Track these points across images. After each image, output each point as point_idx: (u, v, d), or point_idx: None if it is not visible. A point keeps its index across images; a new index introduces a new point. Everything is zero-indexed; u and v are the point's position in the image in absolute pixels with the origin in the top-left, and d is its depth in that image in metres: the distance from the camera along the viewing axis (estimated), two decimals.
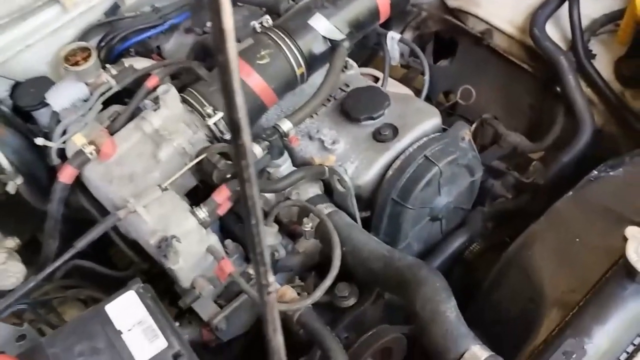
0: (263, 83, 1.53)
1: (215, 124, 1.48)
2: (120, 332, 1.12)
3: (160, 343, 1.10)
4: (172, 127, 1.48)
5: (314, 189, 1.48)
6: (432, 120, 1.53)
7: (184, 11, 1.86)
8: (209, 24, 1.82)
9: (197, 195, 1.50)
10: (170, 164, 1.46)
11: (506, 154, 1.88)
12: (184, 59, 1.73)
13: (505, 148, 1.88)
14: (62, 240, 1.52)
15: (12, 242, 1.46)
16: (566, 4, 1.84)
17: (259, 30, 1.59)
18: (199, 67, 1.59)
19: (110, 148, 1.45)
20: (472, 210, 1.66)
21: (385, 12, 1.65)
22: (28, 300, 1.41)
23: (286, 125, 1.45)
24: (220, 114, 1.48)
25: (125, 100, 1.63)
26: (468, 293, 1.46)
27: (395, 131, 1.50)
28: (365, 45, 2.11)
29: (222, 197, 1.38)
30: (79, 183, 1.52)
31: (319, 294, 1.26)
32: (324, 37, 1.57)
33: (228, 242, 1.46)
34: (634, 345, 1.09)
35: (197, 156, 1.44)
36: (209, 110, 1.48)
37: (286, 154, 1.48)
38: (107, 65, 1.65)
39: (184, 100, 1.51)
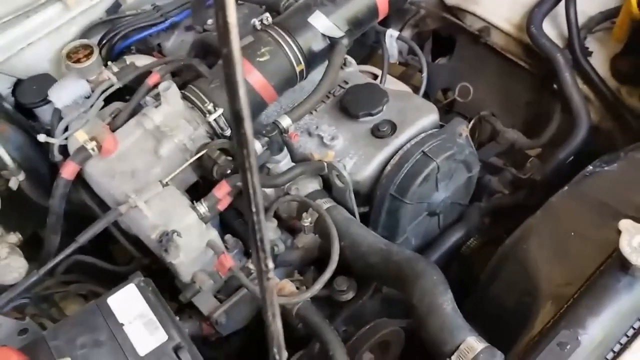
0: (263, 80, 1.54)
1: (215, 120, 1.50)
2: (122, 325, 1.14)
3: (161, 336, 1.12)
4: (173, 123, 1.50)
5: (313, 185, 1.49)
6: (430, 116, 1.54)
7: (184, 9, 1.88)
8: (209, 21, 1.85)
9: (197, 191, 1.52)
10: (171, 160, 1.47)
11: (503, 150, 1.90)
12: (184, 56, 1.75)
13: (502, 144, 1.90)
14: (64, 236, 1.54)
15: (14, 237, 1.47)
16: (563, 2, 1.85)
17: (259, 27, 1.60)
18: (199, 64, 1.61)
19: (111, 144, 1.47)
20: (470, 205, 1.68)
21: (383, 9, 1.66)
22: (30, 294, 1.43)
23: (285, 122, 1.47)
24: (220, 110, 1.49)
25: (126, 97, 1.65)
26: (465, 288, 1.48)
27: (393, 127, 1.51)
28: (364, 43, 2.12)
29: (222, 193, 1.40)
30: (80, 179, 1.54)
31: (317, 287, 1.28)
32: (323, 35, 1.59)
33: (228, 237, 1.48)
34: (627, 336, 1.10)
35: (197, 152, 1.46)
36: (210, 106, 1.49)
37: (285, 149, 1.49)
38: (109, 63, 1.67)
39: (184, 97, 1.53)
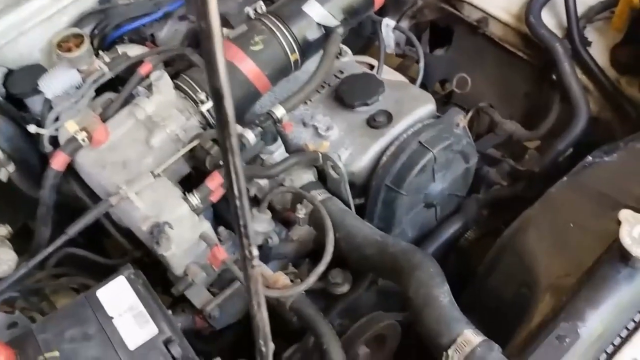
0: (256, 69, 1.52)
1: (208, 110, 1.47)
2: (111, 318, 1.11)
3: (151, 329, 1.10)
4: (165, 113, 1.47)
5: (307, 176, 1.47)
6: (427, 106, 1.52)
7: None
8: None
9: (190, 183, 1.49)
10: (163, 150, 1.45)
11: (502, 141, 1.88)
12: (177, 45, 1.72)
13: (500, 136, 1.87)
14: (56, 228, 1.51)
15: (4, 229, 1.45)
16: None
17: (252, 16, 1.58)
18: (192, 53, 1.58)
19: (102, 135, 1.44)
20: (467, 197, 1.65)
21: None
22: (20, 288, 1.40)
23: (279, 112, 1.44)
24: None
25: (119, 88, 1.62)
26: (463, 280, 1.45)
27: (389, 117, 1.49)
28: (361, 34, 2.10)
29: (215, 184, 1.37)
30: (71, 170, 1.51)
31: (312, 280, 1.26)
32: (318, 24, 1.56)
33: (221, 229, 1.46)
34: (628, 329, 1.08)
35: (190, 142, 1.43)
36: (202, 96, 1.47)
37: (280, 140, 1.47)
38: (100, 53, 1.64)
39: (177, 87, 1.51)
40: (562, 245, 1.24)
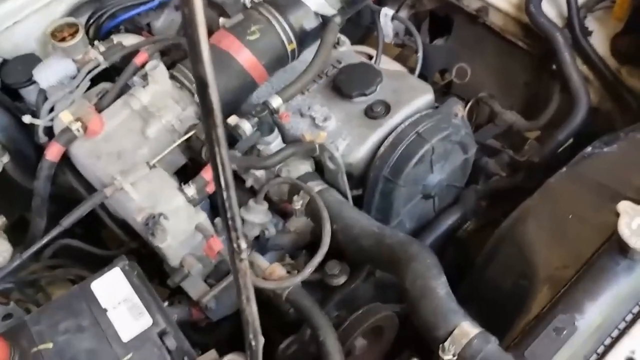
0: (253, 59, 1.50)
1: None
2: (105, 310, 1.10)
3: (146, 320, 1.09)
4: (161, 103, 1.46)
5: (304, 167, 1.45)
6: (425, 96, 1.50)
7: None
8: None
9: (186, 174, 1.48)
10: (159, 141, 1.44)
11: (501, 132, 1.86)
12: (173, 35, 1.71)
13: (500, 126, 1.86)
14: (53, 220, 1.50)
15: None
16: None
17: (249, 5, 1.57)
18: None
19: (97, 125, 1.43)
20: (466, 188, 1.64)
21: None
22: (15, 279, 1.40)
23: (276, 102, 1.42)
24: None
25: (115, 78, 1.60)
26: (461, 272, 1.44)
27: (387, 108, 1.47)
28: (360, 24, 2.07)
29: (211, 175, 1.36)
30: (67, 161, 1.50)
31: (308, 271, 1.25)
32: (315, 13, 1.55)
33: (218, 220, 1.45)
34: (626, 322, 1.07)
35: (186, 133, 1.42)
36: None
37: (276, 130, 1.46)
38: (96, 42, 1.63)
39: (172, 77, 1.49)
40: (560, 237, 1.23)
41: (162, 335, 1.08)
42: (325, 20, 1.55)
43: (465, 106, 1.92)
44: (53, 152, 1.42)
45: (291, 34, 1.52)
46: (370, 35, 2.20)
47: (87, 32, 1.75)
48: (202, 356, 1.06)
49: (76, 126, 1.40)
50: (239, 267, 0.49)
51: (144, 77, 1.50)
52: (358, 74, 1.53)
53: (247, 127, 1.39)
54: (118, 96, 1.52)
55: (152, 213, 1.29)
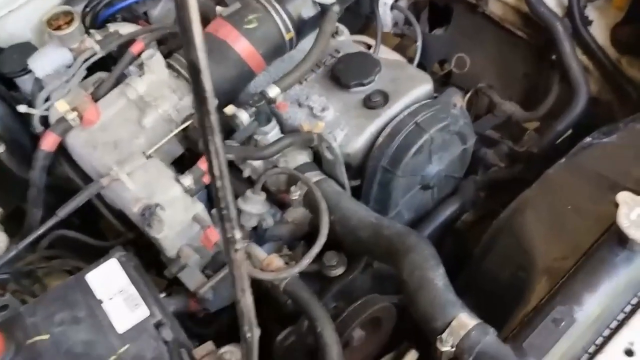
0: (251, 48, 1.49)
1: None
2: (100, 301, 1.09)
3: (142, 312, 1.08)
4: (157, 93, 1.45)
5: (302, 157, 1.45)
6: (424, 86, 1.49)
7: None
8: None
9: (183, 164, 1.47)
10: (156, 130, 1.42)
11: (501, 123, 1.85)
12: (170, 24, 1.69)
13: (499, 117, 1.85)
14: (50, 211, 1.49)
15: None
16: None
17: None
18: None
19: (93, 114, 1.42)
20: (464, 179, 1.63)
21: None
22: (11, 270, 1.39)
23: (274, 91, 1.41)
24: None
25: (112, 67, 1.59)
26: (460, 263, 1.44)
27: (385, 98, 1.46)
28: (359, 14, 2.06)
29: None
30: (63, 151, 1.49)
31: (305, 262, 1.24)
32: (314, 1, 1.53)
33: (215, 211, 1.44)
34: (625, 312, 1.06)
35: (183, 123, 1.41)
36: None
37: (274, 121, 1.44)
38: (92, 31, 1.61)
39: (169, 66, 1.48)
40: (559, 228, 1.22)
41: (158, 326, 1.06)
42: (323, 9, 1.53)
43: (465, 96, 1.92)
44: (48, 142, 1.41)
45: (289, 23, 1.51)
46: (369, 25, 2.19)
47: (83, 21, 1.73)
48: (198, 348, 1.06)
49: (72, 116, 1.39)
50: (234, 257, 0.48)
51: (141, 66, 1.48)
52: (356, 64, 1.52)
53: (244, 117, 1.38)
54: (114, 85, 1.50)
55: (148, 204, 1.29)
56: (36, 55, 1.56)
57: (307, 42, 1.55)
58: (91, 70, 1.58)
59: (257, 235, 1.44)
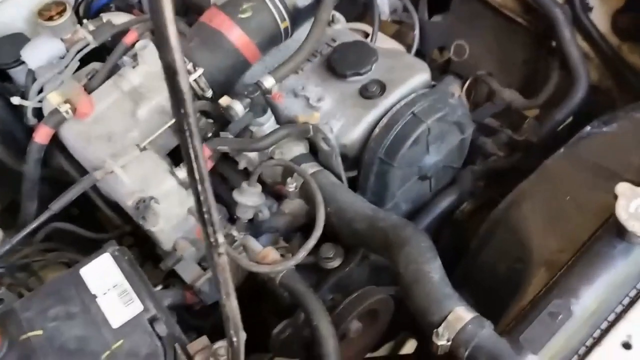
0: (245, 38, 1.47)
1: (195, 81, 1.43)
2: (95, 296, 1.09)
3: (136, 307, 1.07)
4: (151, 84, 1.43)
5: (298, 148, 1.43)
6: (421, 75, 1.47)
7: None
8: None
9: (178, 156, 1.46)
10: (150, 122, 1.41)
11: (500, 111, 1.83)
12: None
13: (498, 105, 1.82)
14: (47, 202, 1.48)
15: None
16: None
17: None
18: (178, 21, 1.52)
19: (87, 107, 1.40)
20: (463, 168, 1.61)
21: None
22: (5, 264, 1.38)
23: (269, 82, 1.40)
24: (200, 71, 1.43)
25: (106, 57, 1.57)
26: (459, 254, 1.43)
27: (382, 87, 1.44)
28: (356, 1, 2.03)
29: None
30: (58, 142, 1.48)
31: (301, 255, 1.23)
32: None
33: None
34: (623, 305, 1.05)
35: None
36: (189, 66, 1.42)
37: (269, 111, 1.43)
38: (85, 21, 1.59)
39: None
40: (557, 220, 1.21)
41: (152, 321, 1.06)
42: None
43: (464, 84, 1.90)
44: (42, 135, 1.40)
45: (284, 12, 1.49)
46: (367, 12, 2.16)
47: (77, 10, 1.72)
48: (192, 343, 1.05)
49: (65, 108, 1.38)
50: (217, 261, 0.47)
51: (134, 57, 1.47)
52: (353, 53, 1.49)
53: (239, 108, 1.36)
54: (108, 77, 1.49)
55: (142, 197, 1.28)
56: (28, 47, 1.54)
57: (304, 31, 1.53)
58: (87, 61, 1.56)
59: (254, 227, 1.43)
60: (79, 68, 1.55)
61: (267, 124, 1.42)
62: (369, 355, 1.56)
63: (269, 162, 1.38)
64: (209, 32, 1.46)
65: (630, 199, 1.03)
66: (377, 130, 1.39)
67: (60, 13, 1.51)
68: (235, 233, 1.38)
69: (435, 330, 1.03)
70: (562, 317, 1.01)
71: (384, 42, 1.78)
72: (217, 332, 1.20)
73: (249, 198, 1.38)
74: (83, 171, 1.47)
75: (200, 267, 1.43)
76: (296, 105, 1.46)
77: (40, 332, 1.06)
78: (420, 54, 1.99)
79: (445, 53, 2.16)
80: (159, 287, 1.39)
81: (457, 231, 1.58)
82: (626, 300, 1.06)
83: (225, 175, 1.48)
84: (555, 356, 1.01)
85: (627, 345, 1.00)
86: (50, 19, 1.50)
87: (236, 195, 1.36)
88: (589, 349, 1.02)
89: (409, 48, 1.88)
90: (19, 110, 1.54)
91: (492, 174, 1.66)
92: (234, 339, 0.54)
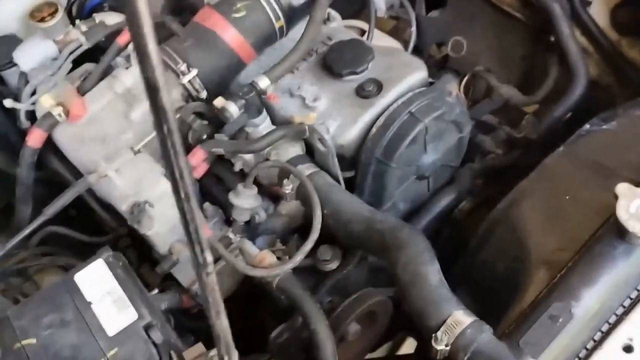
0: (240, 37, 1.45)
1: (190, 82, 1.41)
2: (89, 303, 1.08)
3: (131, 314, 1.06)
4: None
5: (294, 149, 1.41)
6: (418, 73, 1.45)
7: None
8: None
9: None
10: (144, 124, 1.40)
11: (498, 107, 1.81)
12: (157, 13, 1.65)
13: (497, 101, 1.81)
14: (42, 203, 1.47)
15: None
16: None
17: None
18: (171, 21, 1.51)
19: (79, 109, 1.39)
20: (461, 167, 1.60)
21: None
22: (0, 269, 1.37)
23: (263, 82, 1.38)
24: (195, 72, 1.41)
25: (100, 57, 1.55)
26: (458, 254, 1.41)
27: (379, 86, 1.42)
28: None
29: (197, 159, 1.33)
30: (52, 145, 1.46)
31: (298, 259, 1.22)
32: None
33: (207, 205, 1.41)
34: (624, 307, 1.04)
35: None
36: (183, 67, 1.41)
37: (265, 112, 1.41)
38: (77, 21, 1.57)
39: None
40: (556, 219, 1.19)
41: (147, 328, 1.05)
42: None
43: (462, 80, 1.88)
44: (35, 138, 1.38)
45: (279, 11, 1.47)
46: (364, 9, 2.14)
47: (70, 11, 1.70)
48: (188, 350, 1.04)
49: (58, 111, 1.36)
50: (206, 281, 0.46)
51: (128, 57, 1.45)
52: (349, 52, 1.47)
53: (234, 109, 1.34)
54: (101, 78, 1.47)
55: (137, 201, 1.26)
56: (21, 48, 1.53)
57: (300, 29, 1.51)
58: (80, 62, 1.54)
59: (250, 229, 1.41)
60: (72, 69, 1.54)
61: (263, 124, 1.41)
62: (368, 355, 1.55)
63: (264, 163, 1.37)
64: (203, 32, 1.44)
65: (631, 200, 1.01)
66: (374, 130, 1.37)
67: (52, 14, 1.49)
68: (231, 235, 1.37)
69: (434, 334, 1.02)
70: (562, 320, 1.00)
71: (380, 40, 1.75)
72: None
73: (245, 200, 1.36)
74: (78, 173, 1.46)
75: None
76: (292, 105, 1.44)
77: (34, 340, 1.05)
78: (417, 50, 1.97)
79: (443, 49, 2.14)
80: (155, 291, 1.37)
81: (456, 230, 1.57)
82: (627, 302, 1.05)
83: (221, 177, 1.46)
84: None
85: (628, 349, 0.99)
86: (42, 20, 1.48)
87: (232, 198, 1.35)
88: (590, 352, 1.01)
89: (406, 44, 1.86)
90: (12, 113, 1.53)
91: (491, 172, 1.64)
92: (226, 358, 0.53)
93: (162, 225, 1.30)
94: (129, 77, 1.41)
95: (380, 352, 1.71)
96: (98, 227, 1.63)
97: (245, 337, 1.26)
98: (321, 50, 1.52)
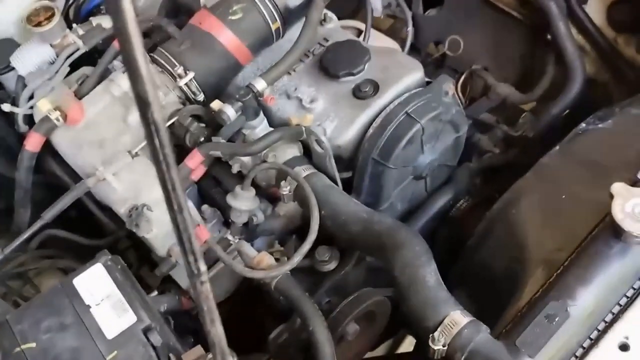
0: (236, 40, 1.46)
1: (187, 84, 1.42)
2: (88, 307, 1.08)
3: (130, 317, 1.06)
4: None
5: (292, 151, 1.42)
6: (414, 74, 1.45)
7: None
8: None
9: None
10: (141, 128, 1.38)
11: (496, 106, 1.82)
12: (154, 16, 1.65)
13: (494, 100, 1.81)
14: (42, 206, 1.47)
15: None
16: None
17: None
18: (168, 24, 1.51)
19: (77, 113, 1.39)
20: (458, 166, 1.60)
21: None
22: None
23: (260, 85, 1.38)
24: (191, 74, 1.42)
25: (97, 60, 1.55)
26: (456, 253, 1.42)
27: (376, 87, 1.42)
28: None
29: (195, 162, 1.33)
30: (51, 149, 1.47)
31: (296, 260, 1.22)
32: None
33: (205, 207, 1.42)
34: (620, 305, 1.05)
35: (168, 119, 1.38)
36: (180, 70, 1.41)
37: (262, 114, 1.41)
38: (74, 25, 1.57)
39: (153, 61, 1.45)
40: (554, 218, 1.20)
41: (146, 331, 1.05)
42: None
43: (459, 79, 1.88)
44: (33, 143, 1.39)
45: (275, 13, 1.47)
46: (361, 9, 2.14)
47: (67, 14, 1.70)
48: (187, 352, 1.04)
49: (55, 115, 1.36)
50: (200, 290, 0.46)
51: None
52: (345, 53, 1.48)
53: (230, 112, 1.35)
54: (99, 82, 1.47)
55: (135, 204, 1.27)
56: (18, 53, 1.53)
57: (296, 30, 1.51)
58: (77, 66, 1.55)
59: (249, 230, 1.42)
60: (69, 73, 1.54)
61: (260, 126, 1.41)
62: (367, 354, 1.55)
63: (262, 165, 1.37)
64: (200, 35, 1.44)
65: (626, 199, 1.02)
66: (371, 130, 1.38)
67: (49, 18, 1.49)
68: (230, 237, 1.37)
69: (431, 335, 1.03)
70: (559, 319, 1.01)
71: (377, 40, 1.76)
72: None
73: (243, 202, 1.37)
74: (76, 177, 1.46)
75: None
76: (289, 106, 1.45)
77: (33, 344, 1.06)
78: (415, 48, 1.98)
79: (440, 47, 2.14)
80: (155, 293, 1.38)
81: (454, 229, 1.57)
82: (623, 300, 1.05)
83: (219, 179, 1.47)
84: (552, 359, 1.00)
85: (624, 347, 0.99)
86: (39, 24, 1.49)
87: (230, 200, 1.35)
88: (586, 351, 1.01)
89: (403, 43, 1.87)
90: (10, 117, 1.53)
91: (488, 171, 1.65)
92: None
93: (160, 228, 1.31)
94: (126, 80, 1.41)
95: (380, 350, 1.72)
96: (98, 229, 1.64)
97: (244, 337, 1.27)
98: (318, 51, 1.53)
